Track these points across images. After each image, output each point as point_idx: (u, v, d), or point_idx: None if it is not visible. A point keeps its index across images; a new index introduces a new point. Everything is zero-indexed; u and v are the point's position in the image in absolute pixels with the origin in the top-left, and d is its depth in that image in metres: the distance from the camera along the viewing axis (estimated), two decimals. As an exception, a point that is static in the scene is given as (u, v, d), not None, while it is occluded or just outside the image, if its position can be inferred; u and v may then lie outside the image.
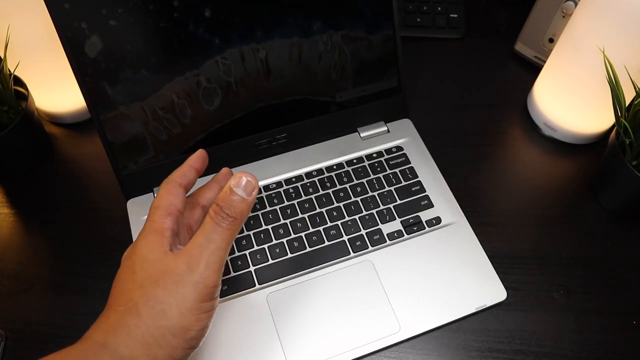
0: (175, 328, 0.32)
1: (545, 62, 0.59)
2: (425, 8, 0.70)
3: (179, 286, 0.33)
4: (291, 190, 0.53)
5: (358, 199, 0.52)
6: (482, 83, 0.64)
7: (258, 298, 0.46)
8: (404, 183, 0.54)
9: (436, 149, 0.56)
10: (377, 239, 0.50)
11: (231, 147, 0.53)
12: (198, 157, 0.41)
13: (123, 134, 0.49)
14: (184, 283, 0.33)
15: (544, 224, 0.52)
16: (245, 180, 0.35)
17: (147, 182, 0.52)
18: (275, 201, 0.52)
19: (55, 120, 0.61)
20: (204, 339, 0.34)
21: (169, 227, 0.36)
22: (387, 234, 0.50)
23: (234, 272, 0.48)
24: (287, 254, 0.49)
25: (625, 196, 0.51)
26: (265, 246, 0.49)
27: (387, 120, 0.58)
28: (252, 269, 0.48)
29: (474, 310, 0.46)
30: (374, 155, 0.56)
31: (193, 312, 0.33)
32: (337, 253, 0.49)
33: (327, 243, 0.50)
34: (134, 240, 0.50)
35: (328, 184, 0.53)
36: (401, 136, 0.57)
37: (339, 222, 0.51)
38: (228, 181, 0.36)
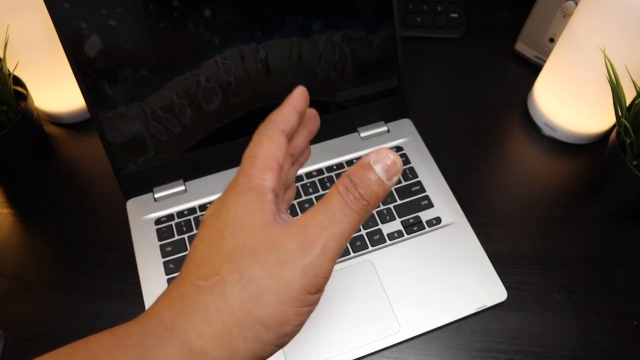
0: (270, 319, 0.25)
1: (545, 62, 0.59)
2: (425, 8, 0.70)
3: (283, 268, 0.25)
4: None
5: (358, 199, 0.52)
6: (482, 83, 0.64)
7: (258, 298, 0.46)
8: (404, 183, 0.54)
9: (436, 149, 0.56)
10: (377, 239, 0.50)
11: (231, 147, 0.53)
12: (300, 96, 0.32)
13: (123, 134, 0.49)
14: (290, 265, 0.25)
15: (545, 224, 0.52)
16: (391, 161, 0.27)
17: (147, 182, 0.52)
18: (275, 201, 0.52)
19: (55, 120, 0.61)
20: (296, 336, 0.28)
21: (270, 187, 0.28)
22: (387, 234, 0.50)
23: (234, 272, 0.48)
24: (287, 254, 0.49)
25: (625, 196, 0.51)
26: (265, 246, 0.49)
27: (387, 120, 0.58)
28: (252, 269, 0.48)
29: (474, 311, 0.46)
30: (374, 155, 0.56)
31: (295, 303, 0.25)
32: (337, 253, 0.49)
33: (327, 243, 0.49)
34: (134, 240, 0.50)
35: (328, 184, 0.53)
36: (401, 136, 0.57)
37: (339, 222, 0.51)
38: (364, 157, 0.27)
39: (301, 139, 0.34)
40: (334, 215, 0.26)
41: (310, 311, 0.27)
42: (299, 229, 0.26)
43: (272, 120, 0.31)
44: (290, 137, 0.32)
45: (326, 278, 0.26)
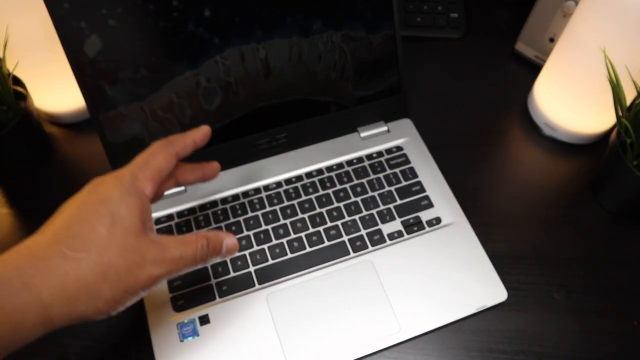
0: (111, 299, 0.32)
1: (545, 61, 0.59)
2: (425, 8, 0.70)
3: (138, 269, 0.33)
4: (291, 191, 0.53)
5: (358, 199, 0.52)
6: (482, 83, 0.64)
7: (258, 298, 0.46)
8: (404, 183, 0.54)
9: (436, 149, 0.56)
10: (377, 239, 0.50)
11: (231, 147, 0.53)
12: (203, 136, 0.41)
13: (122, 134, 0.49)
14: (144, 270, 0.33)
15: (545, 224, 0.52)
16: (233, 244, 0.39)
17: (147, 182, 0.52)
18: (275, 201, 0.52)
19: (55, 120, 0.61)
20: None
21: (149, 194, 0.36)
22: (387, 234, 0.50)
23: (234, 272, 0.48)
24: (287, 254, 0.49)
25: (626, 196, 0.51)
26: (265, 246, 0.49)
27: (387, 120, 0.58)
28: (252, 269, 0.48)
29: (474, 311, 0.46)
30: (374, 155, 0.56)
31: (132, 294, 0.34)
32: (337, 253, 0.49)
33: (327, 243, 0.49)
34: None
35: (328, 184, 0.53)
36: (401, 136, 0.57)
37: (339, 222, 0.51)
38: (219, 237, 0.38)
39: (191, 176, 0.43)
40: (185, 257, 0.35)
41: (135, 301, 0.34)
42: (160, 249, 0.34)
43: (172, 142, 0.39)
44: (179, 160, 0.40)
45: (155, 287, 0.35)
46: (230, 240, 0.39)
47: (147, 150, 0.38)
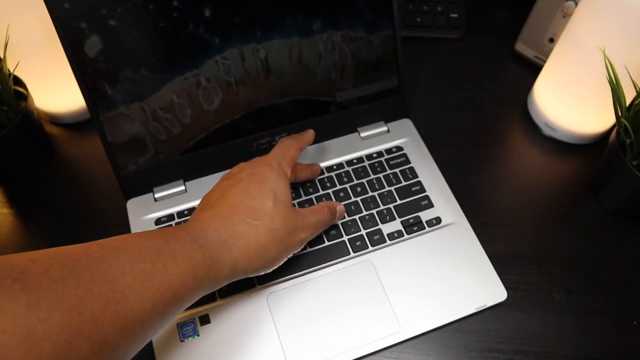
0: (273, 257, 0.41)
1: (545, 62, 0.59)
2: (425, 8, 0.70)
3: (292, 233, 0.42)
4: (291, 191, 0.53)
5: (358, 199, 0.52)
6: (482, 83, 0.64)
7: (258, 298, 0.46)
8: (404, 183, 0.54)
9: (436, 149, 0.56)
10: (377, 239, 0.50)
11: (231, 147, 0.53)
12: (313, 136, 0.50)
13: (123, 134, 0.49)
14: (296, 233, 0.42)
15: (544, 224, 0.52)
16: (343, 211, 0.50)
17: (147, 182, 0.52)
18: (275, 201, 0.52)
19: (55, 120, 0.61)
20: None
21: (289, 177, 0.45)
22: (387, 234, 0.50)
23: (234, 272, 0.48)
24: (287, 254, 0.49)
25: (625, 196, 0.51)
26: (265, 246, 0.49)
27: (387, 120, 0.58)
28: (252, 269, 0.48)
29: (474, 311, 0.46)
30: (374, 155, 0.56)
31: (286, 254, 0.42)
32: (337, 253, 0.49)
33: (327, 243, 0.49)
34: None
35: (328, 184, 0.53)
36: (401, 136, 0.57)
37: (339, 222, 0.51)
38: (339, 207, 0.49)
39: (304, 174, 0.51)
40: (318, 224, 0.45)
41: (284, 260, 0.43)
42: (303, 218, 0.44)
43: (298, 139, 0.48)
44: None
45: (300, 247, 0.44)
46: (340, 207, 0.49)
47: (280, 143, 0.47)
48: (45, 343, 0.26)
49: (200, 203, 0.43)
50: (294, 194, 0.52)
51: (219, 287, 0.38)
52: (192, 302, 0.36)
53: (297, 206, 0.52)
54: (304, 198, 0.52)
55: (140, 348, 0.33)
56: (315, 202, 0.52)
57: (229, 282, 0.39)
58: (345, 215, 0.51)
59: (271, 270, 0.42)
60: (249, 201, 0.40)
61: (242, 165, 0.45)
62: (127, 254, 0.32)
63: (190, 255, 0.35)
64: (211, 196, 0.42)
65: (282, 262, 0.42)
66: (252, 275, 0.41)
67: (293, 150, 0.47)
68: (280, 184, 0.42)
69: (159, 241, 0.35)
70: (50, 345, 0.26)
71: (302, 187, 0.53)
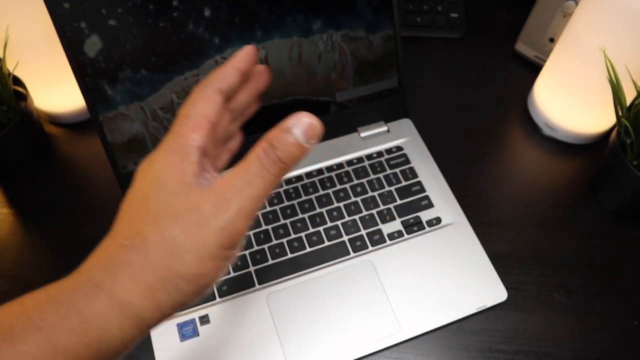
0: (190, 274, 0.27)
1: (545, 61, 0.59)
2: (425, 8, 0.70)
3: (201, 229, 0.27)
4: (291, 191, 0.53)
5: (358, 199, 0.52)
6: (482, 83, 0.64)
7: (258, 298, 0.46)
8: (404, 183, 0.54)
9: (436, 149, 0.56)
10: (377, 239, 0.50)
11: (231, 147, 0.53)
12: (245, 56, 0.33)
13: (123, 134, 0.49)
14: (207, 226, 0.27)
15: (545, 224, 0.52)
16: (308, 123, 0.29)
17: (147, 182, 0.52)
18: (275, 201, 0.52)
19: (55, 120, 0.61)
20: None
21: (196, 146, 0.30)
22: (387, 234, 0.50)
23: (234, 272, 0.48)
24: (287, 254, 0.49)
25: (625, 196, 0.51)
26: (265, 246, 0.49)
27: (387, 120, 0.58)
28: (252, 269, 0.48)
29: (474, 311, 0.46)
30: (374, 155, 0.56)
31: (212, 259, 0.28)
32: (337, 253, 0.49)
33: (327, 243, 0.49)
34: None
35: (328, 184, 0.53)
36: (401, 136, 0.57)
37: (339, 222, 0.51)
38: (285, 121, 0.29)
39: (244, 95, 0.36)
40: (252, 178, 0.28)
41: (227, 265, 0.29)
42: (216, 192, 0.28)
43: (209, 80, 0.32)
44: (229, 94, 0.33)
45: (242, 235, 0.28)
46: (302, 120, 0.29)
47: (185, 101, 0.32)
48: None
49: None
50: (293, 194, 0.52)
51: (126, 349, 0.28)
52: None
53: (297, 208, 0.52)
54: (303, 198, 0.52)
55: None
56: (315, 203, 0.52)
57: (145, 336, 0.29)
58: (346, 215, 0.51)
59: (213, 284, 0.29)
60: (129, 214, 0.30)
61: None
62: None
63: (53, 349, 0.26)
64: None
65: (228, 265, 0.30)
66: (192, 304, 0.30)
67: (201, 103, 0.32)
68: (167, 167, 0.29)
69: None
70: None
71: (302, 187, 0.53)
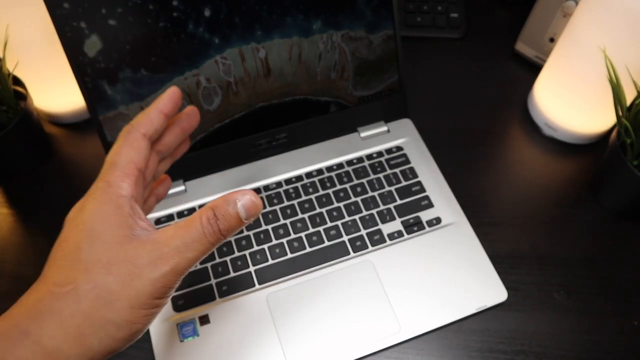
0: (122, 321, 0.28)
1: (545, 61, 0.59)
2: (425, 8, 0.70)
3: (134, 279, 0.28)
4: (291, 191, 0.53)
5: (358, 199, 0.52)
6: (482, 83, 0.64)
7: (258, 298, 0.46)
8: (404, 183, 0.54)
9: (436, 149, 0.56)
10: (377, 239, 0.50)
11: (231, 147, 0.53)
12: (169, 99, 0.34)
13: (123, 134, 0.49)
14: (141, 277, 0.28)
15: (545, 224, 0.52)
16: (250, 201, 0.30)
17: (147, 182, 0.52)
18: (275, 201, 0.52)
19: (55, 120, 0.61)
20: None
21: (127, 196, 0.31)
22: (387, 234, 0.50)
23: (234, 272, 0.48)
24: (287, 254, 0.49)
25: (626, 196, 0.51)
26: (265, 246, 0.49)
27: (387, 120, 0.58)
28: (252, 269, 0.48)
29: (474, 311, 0.46)
30: (374, 155, 0.56)
31: (144, 307, 0.29)
32: (337, 253, 0.49)
33: (327, 243, 0.49)
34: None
35: (328, 184, 0.53)
36: (401, 136, 0.57)
37: (339, 222, 0.51)
38: (230, 194, 0.31)
39: (171, 137, 0.36)
40: (190, 242, 0.29)
41: (158, 312, 0.30)
42: (154, 247, 0.29)
43: (133, 125, 0.33)
44: (155, 138, 0.34)
45: (173, 288, 0.30)
46: (246, 197, 0.30)
47: (112, 148, 0.33)
48: None
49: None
50: (293, 194, 0.52)
51: None
52: None
53: (297, 208, 0.52)
54: (303, 198, 0.52)
55: None
56: (315, 203, 0.52)
57: None
58: (346, 215, 0.51)
59: (142, 333, 0.30)
60: (59, 261, 0.30)
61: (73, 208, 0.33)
62: None
63: None
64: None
65: (155, 315, 0.30)
66: (119, 352, 0.30)
67: (127, 150, 0.32)
68: (99, 217, 0.30)
69: None
70: None
71: (302, 187, 0.53)
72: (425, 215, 0.51)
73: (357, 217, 0.51)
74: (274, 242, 0.49)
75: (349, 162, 0.55)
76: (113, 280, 0.28)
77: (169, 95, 0.34)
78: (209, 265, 0.48)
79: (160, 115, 0.34)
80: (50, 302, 0.28)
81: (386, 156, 0.56)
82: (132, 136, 0.33)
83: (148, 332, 0.45)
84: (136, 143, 0.32)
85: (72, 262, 0.29)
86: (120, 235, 0.29)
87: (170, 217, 0.51)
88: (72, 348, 0.27)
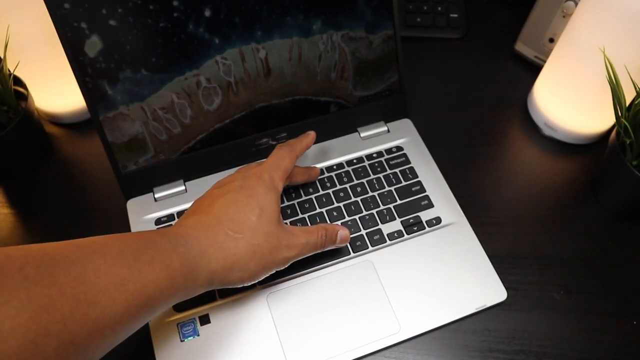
0: (253, 272, 0.40)
1: (545, 62, 0.59)
2: (425, 8, 0.70)
3: (275, 251, 0.41)
4: (291, 190, 0.53)
5: (358, 199, 0.52)
6: (482, 83, 0.64)
7: (258, 298, 0.46)
8: (404, 183, 0.54)
9: (436, 149, 0.56)
10: (377, 239, 0.50)
11: (231, 147, 0.53)
12: (312, 139, 0.49)
13: (123, 134, 0.49)
14: (279, 251, 0.41)
15: (544, 224, 0.52)
16: (346, 235, 0.46)
17: (147, 182, 0.52)
18: (275, 201, 0.52)
19: (55, 120, 0.61)
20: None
21: (280, 191, 0.44)
22: (387, 234, 0.50)
23: (234, 272, 0.48)
24: (287, 254, 0.49)
25: (625, 196, 0.51)
26: (265, 246, 0.49)
27: (387, 120, 0.58)
28: (252, 269, 0.48)
29: (474, 311, 0.46)
30: (374, 155, 0.56)
31: (267, 271, 0.41)
32: (337, 253, 0.49)
33: (327, 243, 0.49)
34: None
35: (328, 184, 0.53)
36: (401, 136, 0.57)
37: (339, 222, 0.51)
38: (337, 226, 0.46)
39: (301, 177, 0.51)
40: (309, 244, 0.43)
41: (265, 276, 0.42)
42: (292, 236, 0.42)
43: (293, 147, 0.47)
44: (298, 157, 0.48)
45: (284, 266, 0.43)
46: (343, 232, 0.46)
47: (275, 153, 0.46)
48: (10, 340, 0.26)
49: (190, 207, 0.43)
50: (293, 194, 0.53)
51: (194, 295, 0.38)
52: (166, 308, 0.36)
53: (297, 208, 0.52)
54: (303, 198, 0.52)
55: (108, 350, 0.33)
56: (315, 203, 0.52)
57: (205, 291, 0.39)
58: (346, 215, 0.51)
59: (250, 283, 0.41)
60: (234, 214, 0.40)
61: (234, 175, 0.45)
62: (104, 257, 0.32)
63: (168, 263, 0.35)
64: (200, 203, 0.43)
65: (263, 277, 0.41)
66: (231, 287, 0.41)
67: (287, 161, 0.46)
68: (268, 199, 0.42)
69: (138, 247, 0.35)
70: (15, 343, 0.26)
71: (302, 187, 0.53)
72: (425, 215, 0.51)
73: (357, 217, 0.51)
74: (274, 242, 0.49)
75: (349, 162, 0.55)
76: (267, 247, 0.40)
77: (313, 136, 0.50)
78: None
79: (306, 148, 0.49)
80: (225, 239, 0.39)
81: (386, 156, 0.56)
82: (292, 154, 0.47)
83: (148, 332, 0.45)
84: (293, 160, 0.47)
85: (245, 220, 0.40)
86: (275, 218, 0.42)
87: (170, 217, 0.51)
88: (221, 274, 0.38)
